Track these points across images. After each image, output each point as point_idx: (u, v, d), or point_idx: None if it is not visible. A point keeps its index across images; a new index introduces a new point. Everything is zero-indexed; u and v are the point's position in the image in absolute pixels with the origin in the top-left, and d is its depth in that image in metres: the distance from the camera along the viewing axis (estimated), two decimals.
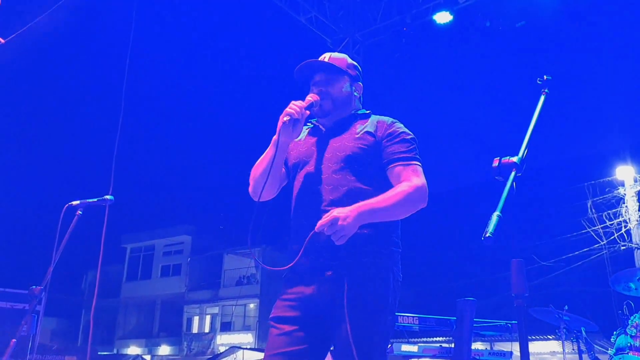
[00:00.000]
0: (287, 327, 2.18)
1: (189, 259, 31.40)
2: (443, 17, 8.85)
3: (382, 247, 2.22)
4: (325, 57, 2.46)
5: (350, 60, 2.51)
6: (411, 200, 2.19)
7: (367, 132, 2.33)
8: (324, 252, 2.17)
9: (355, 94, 2.47)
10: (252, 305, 28.83)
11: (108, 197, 3.41)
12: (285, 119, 2.24)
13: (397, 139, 2.30)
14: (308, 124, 2.50)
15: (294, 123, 2.28)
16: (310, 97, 2.35)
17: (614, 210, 16.31)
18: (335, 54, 2.51)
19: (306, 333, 2.17)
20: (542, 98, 1.99)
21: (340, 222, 2.03)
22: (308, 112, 2.33)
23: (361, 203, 2.13)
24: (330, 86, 2.40)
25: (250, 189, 2.39)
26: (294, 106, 2.27)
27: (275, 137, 2.29)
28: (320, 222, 2.06)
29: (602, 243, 16.50)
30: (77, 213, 3.28)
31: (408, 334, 5.55)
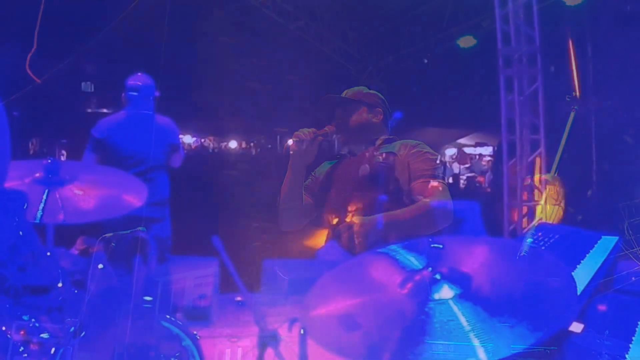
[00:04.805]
0: None
1: None
2: (467, 42, 8.88)
3: None
4: (344, 93, 2.59)
5: (367, 90, 2.61)
6: (433, 216, 2.19)
7: (389, 153, 2.38)
8: None
9: (374, 120, 2.53)
10: None
11: (140, 229, 3.45)
12: (293, 139, 2.34)
13: (421, 158, 2.34)
14: (337, 156, 2.59)
15: (302, 144, 2.35)
16: (327, 128, 2.44)
17: None
18: (354, 88, 2.62)
19: None
20: (572, 115, 1.98)
21: (356, 228, 2.08)
22: (321, 137, 2.40)
23: (382, 214, 2.17)
24: (346, 117, 2.51)
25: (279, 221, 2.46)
26: (303, 130, 2.36)
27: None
28: (339, 227, 2.13)
29: None
30: (111, 245, 3.32)
31: None
